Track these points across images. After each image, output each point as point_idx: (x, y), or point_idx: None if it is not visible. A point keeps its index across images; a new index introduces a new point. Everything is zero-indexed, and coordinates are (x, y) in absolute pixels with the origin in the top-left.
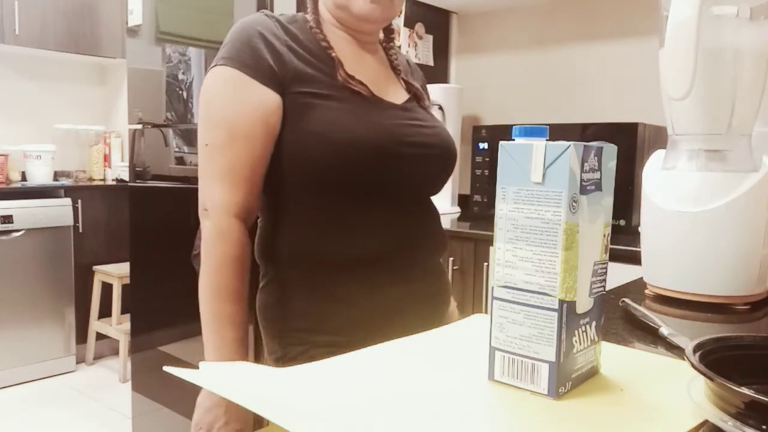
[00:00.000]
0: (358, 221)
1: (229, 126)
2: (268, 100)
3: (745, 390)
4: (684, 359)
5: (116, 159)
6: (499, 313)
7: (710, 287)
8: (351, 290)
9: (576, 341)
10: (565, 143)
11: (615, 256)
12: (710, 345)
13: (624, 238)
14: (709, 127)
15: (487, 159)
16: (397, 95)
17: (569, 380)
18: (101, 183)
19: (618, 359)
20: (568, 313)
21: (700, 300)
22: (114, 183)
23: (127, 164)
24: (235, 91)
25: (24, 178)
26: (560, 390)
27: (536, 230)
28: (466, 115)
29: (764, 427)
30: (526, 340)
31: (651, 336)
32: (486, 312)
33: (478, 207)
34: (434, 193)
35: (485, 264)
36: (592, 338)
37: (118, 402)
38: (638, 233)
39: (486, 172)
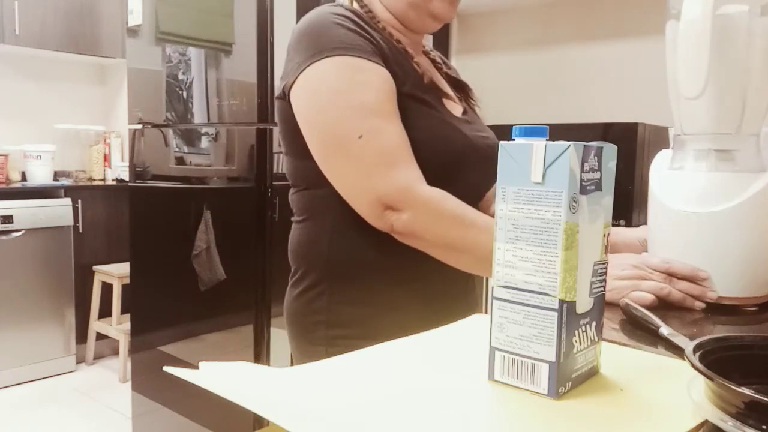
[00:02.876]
0: None
1: (369, 110)
2: (389, 76)
3: (745, 390)
4: (684, 359)
5: (116, 159)
6: (499, 313)
7: (719, 288)
8: (401, 297)
9: (576, 341)
10: (565, 143)
11: None
12: (710, 345)
13: None
14: (720, 126)
15: None
16: (454, 103)
17: (569, 380)
18: (101, 183)
19: (618, 359)
20: (568, 313)
21: (709, 301)
22: (114, 183)
23: (127, 164)
24: (358, 74)
25: (24, 178)
26: (560, 390)
27: (536, 230)
28: None
29: (764, 427)
30: (526, 340)
31: (651, 336)
32: (486, 312)
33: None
34: None
35: None
36: (592, 338)
37: (118, 402)
38: None
39: None
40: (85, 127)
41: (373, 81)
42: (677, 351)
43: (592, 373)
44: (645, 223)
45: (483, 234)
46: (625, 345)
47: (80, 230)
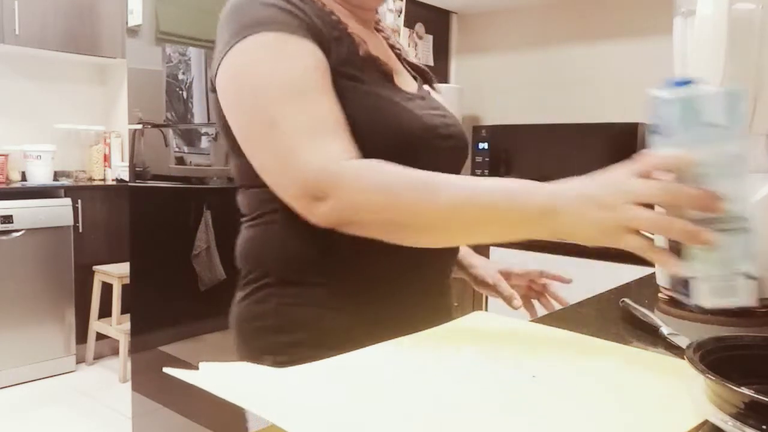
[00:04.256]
0: None
1: (290, 86)
2: (317, 50)
3: (745, 390)
4: (684, 359)
5: (116, 159)
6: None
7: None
8: (361, 303)
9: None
10: (736, 88)
11: (615, 256)
12: (710, 345)
13: None
14: None
15: (487, 159)
16: (407, 81)
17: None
18: (101, 183)
19: (618, 359)
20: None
21: None
22: (114, 183)
23: (127, 164)
24: (279, 50)
25: (24, 178)
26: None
27: (728, 166)
28: (466, 115)
29: (764, 427)
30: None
31: (651, 336)
32: (486, 310)
33: None
34: None
35: None
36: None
37: (118, 402)
38: (638, 233)
39: (486, 172)
40: (85, 127)
41: (299, 54)
42: (677, 351)
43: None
44: None
45: (426, 195)
46: (625, 345)
47: (80, 230)
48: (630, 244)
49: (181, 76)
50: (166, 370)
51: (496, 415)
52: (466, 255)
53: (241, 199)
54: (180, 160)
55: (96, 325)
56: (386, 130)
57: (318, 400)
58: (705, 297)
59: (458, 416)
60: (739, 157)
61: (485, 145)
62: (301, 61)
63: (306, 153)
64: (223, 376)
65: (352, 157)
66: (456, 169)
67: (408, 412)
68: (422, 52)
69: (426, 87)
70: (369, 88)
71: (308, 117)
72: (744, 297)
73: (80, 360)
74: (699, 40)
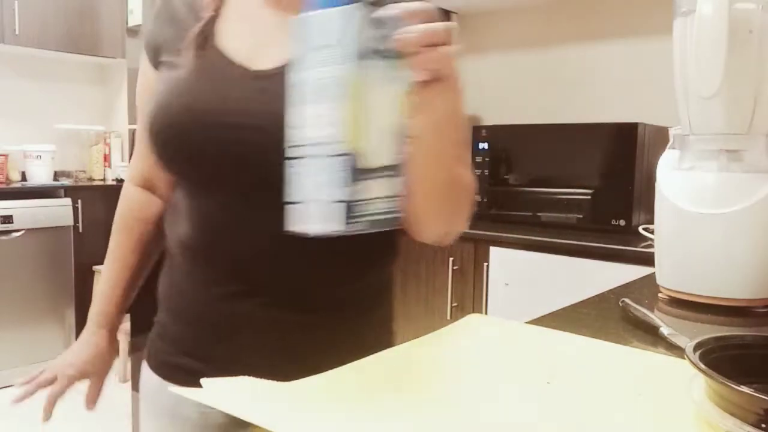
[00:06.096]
0: (190, 214)
1: (138, 104)
2: (148, 73)
3: (745, 389)
4: (684, 359)
5: (116, 159)
6: (293, 171)
7: (729, 290)
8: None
9: (370, 187)
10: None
11: (615, 257)
12: (710, 344)
13: (624, 238)
14: (731, 126)
15: (487, 159)
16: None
17: (362, 218)
18: (101, 183)
19: (618, 359)
20: (357, 160)
21: (718, 303)
22: (114, 183)
23: (127, 164)
24: (140, 66)
25: (24, 178)
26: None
27: (326, 88)
28: (467, 116)
29: (764, 426)
30: (321, 186)
31: (651, 336)
32: (486, 313)
33: (478, 207)
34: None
35: (485, 264)
36: (392, 191)
37: (118, 402)
38: (638, 233)
39: (486, 171)
40: (85, 127)
41: (141, 73)
42: (677, 351)
43: (395, 222)
44: (645, 222)
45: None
46: (625, 345)
47: (80, 230)
48: None
49: None
50: (172, 389)
51: (496, 417)
52: None
53: None
54: None
55: None
56: (154, 113)
57: (323, 411)
58: (304, 223)
59: (463, 419)
60: (340, 79)
61: (485, 145)
62: (140, 81)
63: (131, 162)
64: (228, 391)
65: (136, 183)
66: (253, 163)
67: (415, 420)
68: None
69: None
70: (173, 73)
71: (138, 133)
72: (340, 224)
73: None
74: (699, 40)
